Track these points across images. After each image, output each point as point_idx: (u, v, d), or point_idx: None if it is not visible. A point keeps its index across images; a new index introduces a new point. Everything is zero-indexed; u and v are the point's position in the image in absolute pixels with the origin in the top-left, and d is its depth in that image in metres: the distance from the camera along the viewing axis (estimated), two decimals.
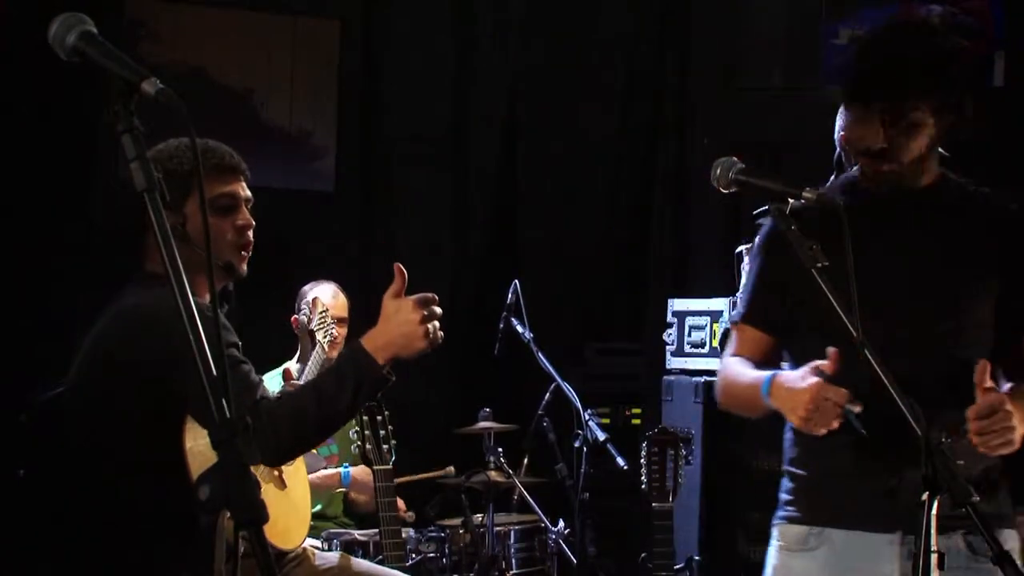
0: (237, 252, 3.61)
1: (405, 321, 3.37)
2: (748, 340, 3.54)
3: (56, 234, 6.27)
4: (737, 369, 3.51)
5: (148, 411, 3.39)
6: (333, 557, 3.81)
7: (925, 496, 2.89)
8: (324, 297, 5.46)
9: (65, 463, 3.72)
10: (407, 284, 3.36)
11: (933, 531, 2.89)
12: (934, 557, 2.90)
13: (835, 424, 3.20)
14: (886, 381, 3.00)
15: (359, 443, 4.83)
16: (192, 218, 3.56)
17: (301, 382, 3.82)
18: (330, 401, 3.33)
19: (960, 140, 3.91)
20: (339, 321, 5.49)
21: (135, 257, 3.63)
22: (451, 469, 5.51)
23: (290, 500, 3.72)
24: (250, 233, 3.63)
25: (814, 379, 3.13)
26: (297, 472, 3.88)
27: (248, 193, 3.66)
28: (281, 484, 3.73)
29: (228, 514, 2.18)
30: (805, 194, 3.21)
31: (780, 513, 3.52)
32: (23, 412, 4.90)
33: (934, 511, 2.90)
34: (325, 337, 4.02)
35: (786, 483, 3.52)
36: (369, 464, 4.85)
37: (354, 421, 4.90)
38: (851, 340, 3.00)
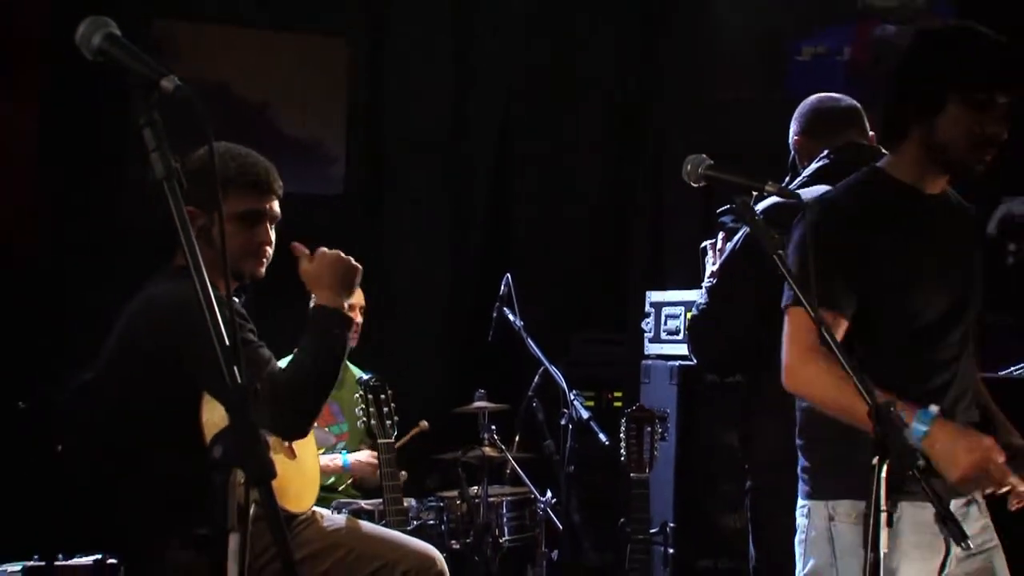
0: (254, 260, 3.63)
1: (329, 263, 3.53)
2: (838, 328, 3.24)
3: (93, 232, 6.28)
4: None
5: (167, 388, 3.40)
6: (340, 519, 3.82)
7: (875, 460, 2.89)
8: None
9: (96, 437, 3.71)
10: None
11: (883, 492, 2.90)
12: (883, 516, 2.90)
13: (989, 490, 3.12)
14: (838, 355, 3.00)
15: (364, 419, 4.83)
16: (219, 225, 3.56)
17: None
18: (316, 356, 3.42)
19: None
20: (355, 308, 5.48)
21: (166, 252, 3.64)
22: (424, 424, 5.46)
23: (299, 467, 3.71)
24: (268, 248, 3.67)
25: (988, 442, 3.04)
26: (307, 443, 3.86)
27: (277, 211, 3.69)
28: (292, 454, 3.72)
29: (240, 478, 2.19)
30: (767, 187, 3.21)
31: (840, 488, 3.36)
32: (54, 392, 4.92)
33: (883, 474, 2.90)
34: None
35: (838, 461, 3.34)
36: (373, 438, 4.86)
37: (360, 399, 4.91)
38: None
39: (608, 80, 7.41)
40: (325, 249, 3.56)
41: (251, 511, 3.40)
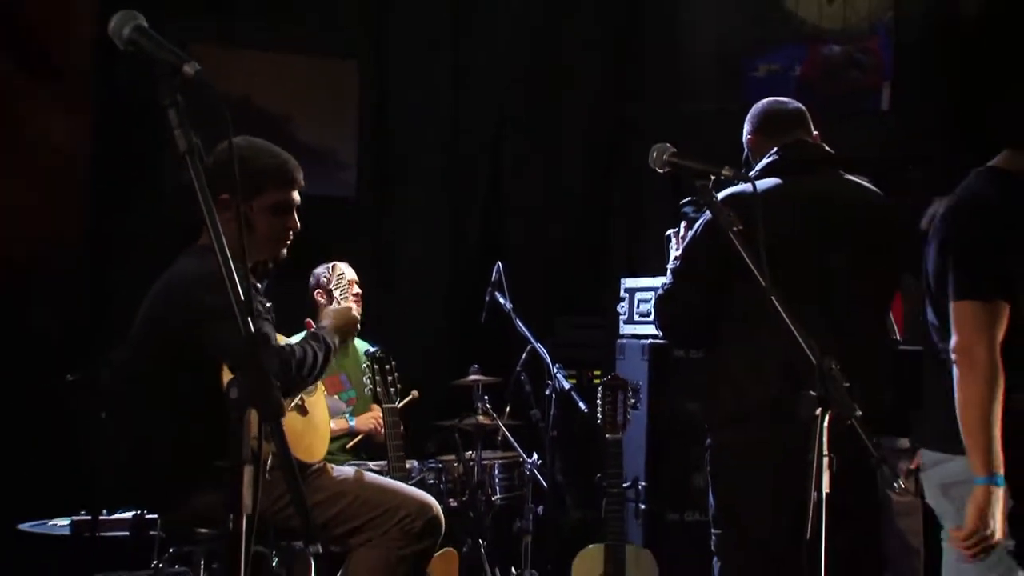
0: (281, 244, 3.69)
1: (343, 314, 3.78)
2: (1002, 316, 3.26)
3: (135, 228, 6.28)
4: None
5: (190, 353, 3.39)
6: (348, 471, 3.80)
7: (818, 411, 2.89)
8: (338, 268, 5.41)
9: (131, 404, 3.70)
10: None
11: (825, 440, 2.89)
12: (826, 460, 2.89)
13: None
14: (790, 323, 3.00)
15: (371, 386, 4.83)
16: (256, 214, 3.58)
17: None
18: (306, 351, 3.49)
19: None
20: (352, 282, 5.47)
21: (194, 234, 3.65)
22: (415, 393, 5.42)
23: (311, 422, 3.70)
24: (292, 233, 3.74)
25: None
26: (318, 401, 3.85)
27: (299, 200, 3.76)
28: (303, 411, 3.71)
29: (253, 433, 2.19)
30: (724, 171, 3.22)
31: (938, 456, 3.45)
32: (97, 367, 4.93)
33: (825, 424, 2.89)
34: (342, 295, 3.97)
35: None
36: (379, 403, 4.85)
37: (367, 369, 4.90)
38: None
39: (590, 92, 7.39)
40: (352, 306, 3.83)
41: (268, 460, 3.42)
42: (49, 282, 6.03)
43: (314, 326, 3.77)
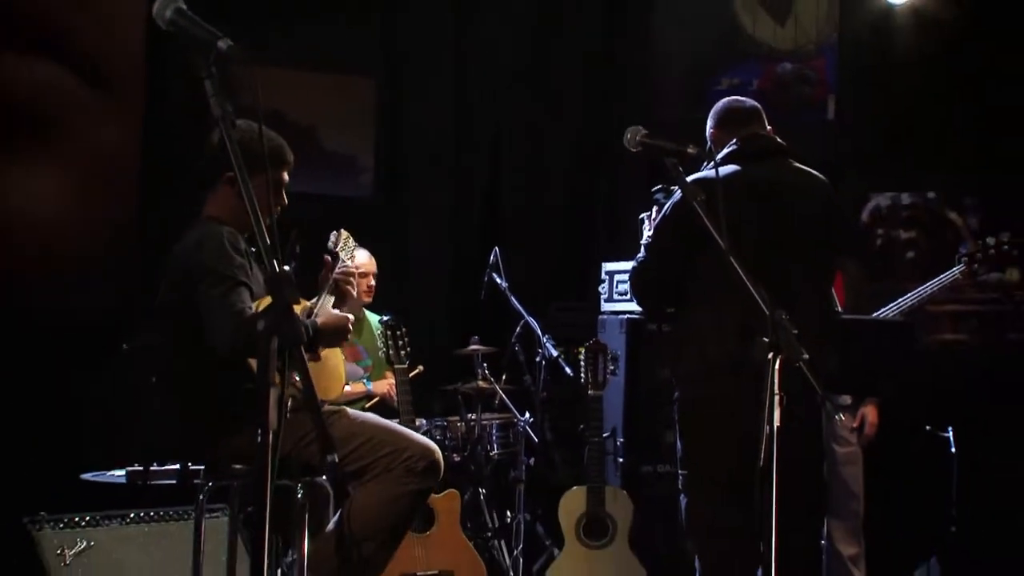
0: (273, 214, 3.62)
1: (339, 320, 3.59)
2: None
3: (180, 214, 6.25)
4: None
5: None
6: (363, 415, 3.74)
7: (770, 354, 2.87)
8: (359, 256, 5.36)
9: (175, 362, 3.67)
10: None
11: (776, 380, 2.87)
12: (777, 398, 2.88)
13: None
14: (744, 278, 2.98)
15: (384, 349, 4.80)
16: (255, 191, 3.55)
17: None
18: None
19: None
20: (368, 275, 5.44)
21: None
22: (421, 368, 5.40)
23: (325, 366, 3.63)
24: (280, 209, 3.66)
25: None
26: (333, 350, 3.76)
27: (287, 179, 3.72)
28: (317, 357, 3.60)
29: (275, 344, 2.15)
30: (689, 150, 3.21)
31: None
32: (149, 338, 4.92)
33: (776, 366, 2.88)
34: (346, 254, 3.91)
35: None
36: (391, 364, 4.83)
37: (381, 336, 4.87)
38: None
39: (576, 101, 7.37)
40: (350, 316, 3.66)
41: (290, 402, 3.39)
42: (105, 268, 6.00)
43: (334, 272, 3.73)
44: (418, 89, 7.16)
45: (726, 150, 3.91)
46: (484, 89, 7.23)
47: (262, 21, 6.48)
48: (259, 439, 2.13)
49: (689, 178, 3.73)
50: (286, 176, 3.67)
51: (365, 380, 5.54)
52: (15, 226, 5.83)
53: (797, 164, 3.93)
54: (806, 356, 2.86)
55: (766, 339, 2.87)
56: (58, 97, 5.95)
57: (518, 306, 5.72)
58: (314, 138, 7.00)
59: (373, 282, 5.52)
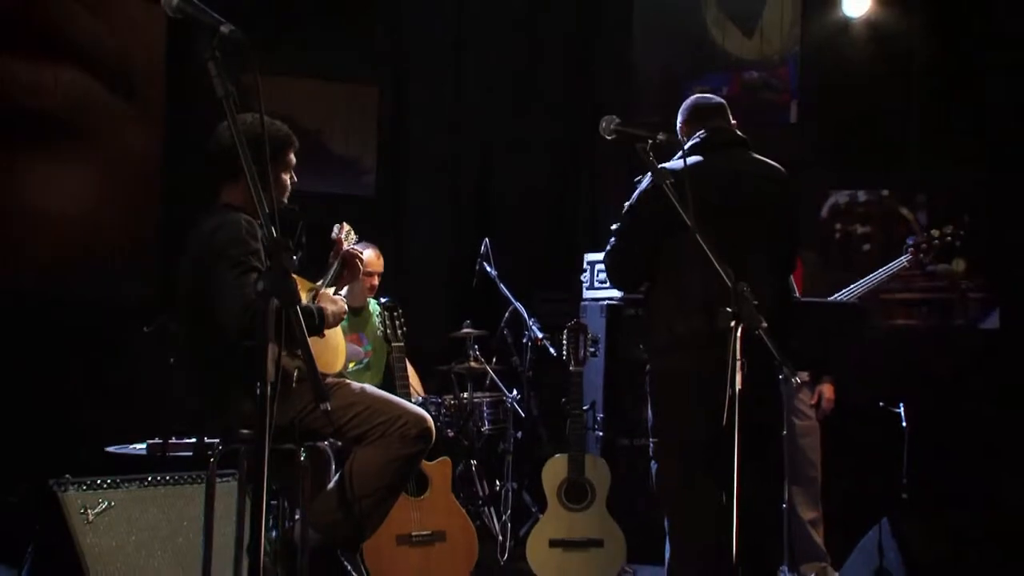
0: (286, 193, 3.66)
1: (339, 308, 3.57)
2: None
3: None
4: None
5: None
6: (361, 386, 3.72)
7: (733, 323, 2.86)
8: (368, 254, 5.34)
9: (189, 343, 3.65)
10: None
11: (738, 347, 2.86)
12: (739, 363, 2.86)
13: None
14: (709, 254, 2.97)
15: (382, 329, 4.77)
16: (272, 172, 3.54)
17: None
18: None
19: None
20: (374, 274, 5.41)
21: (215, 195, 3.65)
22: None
23: (328, 343, 3.64)
24: (291, 185, 3.69)
25: None
26: (335, 329, 3.75)
27: (295, 161, 3.70)
28: (322, 335, 3.60)
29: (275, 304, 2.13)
30: (659, 136, 3.19)
31: None
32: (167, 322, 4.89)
33: (739, 334, 2.86)
34: (348, 238, 3.91)
35: None
36: (388, 342, 4.80)
37: (379, 316, 4.85)
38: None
39: (561, 108, 7.36)
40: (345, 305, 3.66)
41: (295, 373, 3.36)
42: (131, 258, 5.99)
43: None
44: (418, 98, 7.17)
45: (692, 141, 3.89)
46: (477, 99, 7.23)
47: (276, 35, 6.50)
48: (258, 391, 2.10)
49: (660, 166, 3.73)
50: (293, 158, 3.65)
51: (365, 362, 5.53)
52: (54, 221, 5.82)
53: (756, 155, 3.91)
54: (765, 324, 2.85)
55: (729, 309, 2.86)
56: (88, 104, 5.95)
57: (507, 292, 5.70)
58: (321, 142, 6.99)
59: (376, 281, 5.49)
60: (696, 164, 3.70)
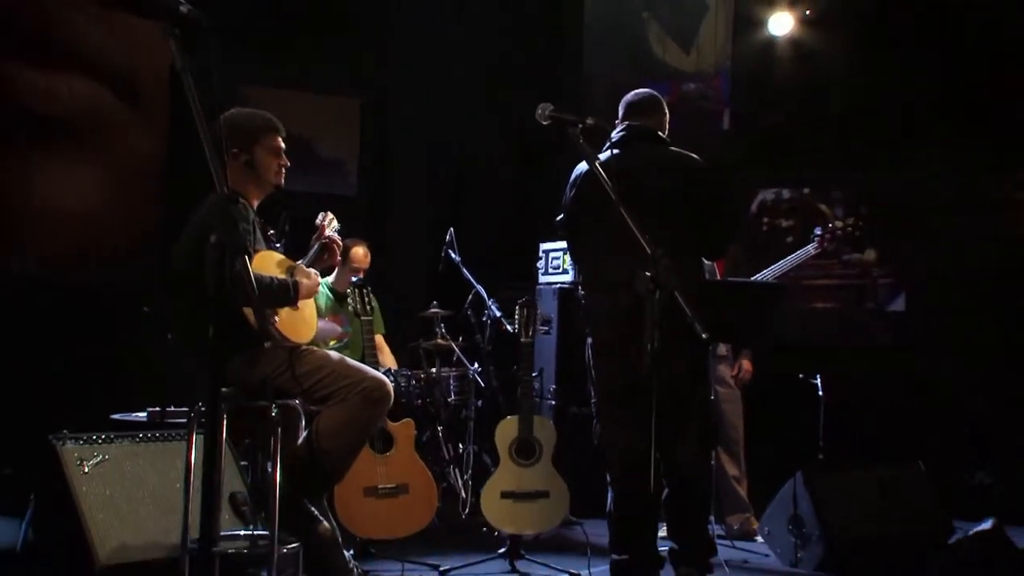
0: (279, 175, 3.58)
1: (313, 283, 3.56)
2: None
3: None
4: None
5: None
6: (329, 352, 3.67)
7: (651, 287, 2.82)
8: (357, 250, 5.27)
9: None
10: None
11: (655, 307, 2.80)
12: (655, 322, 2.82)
13: None
14: (634, 228, 2.93)
15: (352, 305, 4.71)
16: (257, 156, 3.51)
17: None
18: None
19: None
20: (360, 269, 5.32)
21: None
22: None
23: (301, 314, 3.57)
24: (284, 166, 3.63)
25: None
26: (308, 301, 3.68)
27: (284, 145, 3.64)
28: (296, 306, 3.54)
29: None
30: (588, 120, 3.16)
31: None
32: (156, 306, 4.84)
33: (656, 298, 2.82)
34: (330, 225, 3.86)
35: None
36: (358, 316, 4.73)
37: (350, 295, 4.78)
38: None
39: (522, 113, 7.27)
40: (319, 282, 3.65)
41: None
42: (135, 253, 5.92)
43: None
44: (395, 108, 7.14)
45: (616, 134, 3.88)
46: (450, 108, 7.20)
47: (270, 52, 6.46)
48: (211, 331, 2.05)
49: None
50: (281, 143, 3.60)
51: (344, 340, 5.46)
52: (65, 219, 5.75)
53: (675, 149, 3.85)
54: (680, 285, 2.81)
55: (648, 273, 2.82)
56: (97, 111, 5.87)
57: (469, 276, 5.66)
58: (310, 145, 6.94)
59: (363, 274, 5.41)
60: (615, 155, 3.71)
